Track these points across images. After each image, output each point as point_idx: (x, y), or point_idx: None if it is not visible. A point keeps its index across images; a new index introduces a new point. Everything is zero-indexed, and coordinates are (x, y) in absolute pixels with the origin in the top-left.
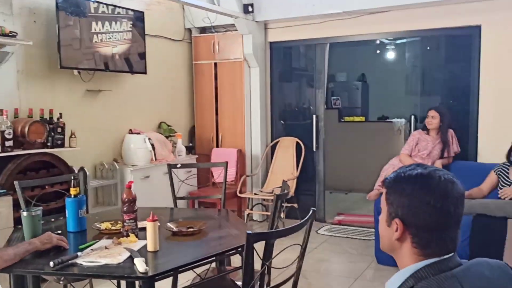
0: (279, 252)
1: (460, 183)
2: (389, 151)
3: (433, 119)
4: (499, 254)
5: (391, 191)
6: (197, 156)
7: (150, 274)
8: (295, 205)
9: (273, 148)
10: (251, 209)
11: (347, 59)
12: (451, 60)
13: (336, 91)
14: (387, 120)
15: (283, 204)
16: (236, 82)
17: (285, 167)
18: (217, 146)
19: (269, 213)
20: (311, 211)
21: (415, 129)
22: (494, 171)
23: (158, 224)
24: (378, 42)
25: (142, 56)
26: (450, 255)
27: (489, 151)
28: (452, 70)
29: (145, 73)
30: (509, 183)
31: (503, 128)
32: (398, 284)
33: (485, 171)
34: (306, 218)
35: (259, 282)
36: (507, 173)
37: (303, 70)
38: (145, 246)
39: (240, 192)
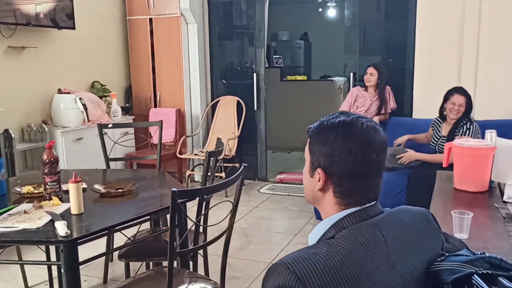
0: (207, 210)
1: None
2: (331, 109)
3: (371, 76)
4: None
5: (313, 140)
6: (134, 116)
7: (71, 237)
8: (237, 165)
9: (213, 108)
10: (192, 170)
11: (289, 18)
12: (389, 18)
13: (279, 50)
14: (329, 78)
15: (224, 164)
16: (174, 39)
17: (226, 127)
18: (155, 106)
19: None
20: (241, 168)
21: (354, 86)
22: (431, 124)
23: (85, 185)
24: (320, 0)
25: (70, 10)
26: (372, 203)
27: (423, 107)
28: (391, 28)
29: (73, 28)
30: (439, 138)
31: (436, 85)
32: (320, 235)
33: (420, 126)
34: (235, 175)
35: (193, 241)
36: (439, 128)
37: (244, 28)
38: (69, 209)
39: (180, 153)
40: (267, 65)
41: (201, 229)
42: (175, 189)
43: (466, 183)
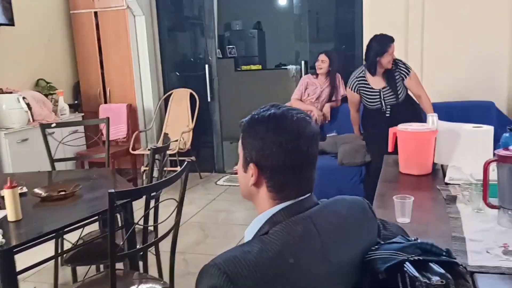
0: (149, 209)
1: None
2: (287, 98)
3: (322, 63)
4: None
5: (245, 134)
6: (83, 114)
7: (7, 246)
8: (193, 158)
9: (166, 101)
10: (147, 166)
11: (242, 7)
12: (337, 5)
13: (233, 40)
14: (283, 67)
15: (180, 158)
16: (121, 32)
17: (180, 120)
18: (106, 102)
19: (167, 168)
20: (184, 164)
21: (306, 74)
22: (351, 89)
23: (25, 189)
24: None
25: (8, 5)
26: (306, 196)
27: None
28: (339, 15)
29: (12, 25)
30: (373, 91)
31: None
32: (255, 231)
33: None
34: (179, 171)
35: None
36: (366, 81)
37: (195, 19)
38: (6, 217)
39: (134, 149)
40: (220, 56)
41: (152, 228)
42: (113, 191)
43: (411, 166)
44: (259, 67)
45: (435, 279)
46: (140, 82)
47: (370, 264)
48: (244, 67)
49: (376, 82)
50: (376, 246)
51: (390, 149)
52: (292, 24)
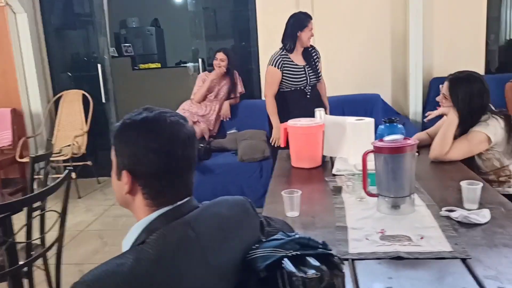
0: (25, 224)
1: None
2: (187, 96)
3: (221, 62)
4: None
5: (117, 141)
6: None
7: None
8: (89, 162)
9: (57, 104)
10: (38, 174)
11: (138, 3)
12: (232, 2)
13: (130, 37)
14: (182, 65)
15: (74, 164)
16: (1, 31)
17: (73, 123)
18: None
19: (61, 175)
20: (65, 172)
21: (204, 71)
22: (276, 66)
23: None
24: None
25: None
26: (185, 200)
27: None
28: (234, 12)
29: None
30: (298, 67)
31: None
32: (132, 241)
33: None
34: (59, 180)
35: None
36: (290, 58)
37: (86, 16)
38: None
39: (21, 157)
40: (116, 54)
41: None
42: None
43: (302, 160)
44: (158, 65)
45: (311, 272)
46: (25, 85)
47: (251, 263)
48: (142, 66)
49: (298, 60)
50: (257, 245)
51: (282, 144)
52: (188, 21)
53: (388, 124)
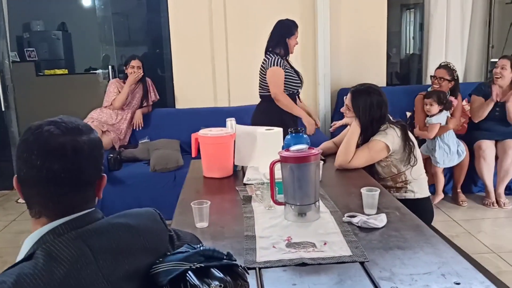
0: None
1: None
2: (97, 104)
3: (138, 69)
4: None
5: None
6: None
7: None
8: None
9: None
10: None
11: (44, 5)
12: (143, 9)
13: (34, 41)
14: (92, 71)
15: None
16: None
17: None
18: None
19: None
20: None
21: (115, 78)
22: (281, 66)
23: None
24: None
25: None
26: (83, 213)
27: (183, 97)
28: (146, 19)
29: None
30: (295, 70)
31: (194, 75)
32: (23, 255)
33: (183, 116)
34: None
35: None
36: (288, 61)
37: None
38: None
39: None
40: (17, 59)
41: None
42: None
43: (213, 170)
44: (65, 71)
45: (214, 284)
46: None
47: (155, 277)
48: (47, 72)
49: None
50: (161, 259)
51: (193, 154)
52: (98, 26)
53: (294, 134)
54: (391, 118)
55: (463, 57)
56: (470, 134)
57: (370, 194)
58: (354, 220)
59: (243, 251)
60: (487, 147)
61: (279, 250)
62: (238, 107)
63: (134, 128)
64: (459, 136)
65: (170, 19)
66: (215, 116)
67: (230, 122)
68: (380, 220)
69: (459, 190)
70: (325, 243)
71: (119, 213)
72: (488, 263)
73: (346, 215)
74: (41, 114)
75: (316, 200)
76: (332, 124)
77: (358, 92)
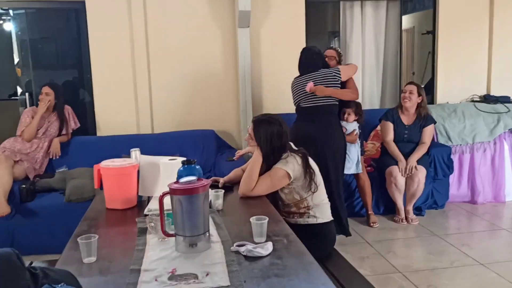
0: None
1: None
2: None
3: (46, 96)
4: None
5: None
6: None
7: None
8: None
9: None
10: None
11: None
12: (62, 34)
13: None
14: (13, 98)
15: None
16: None
17: None
18: None
19: None
20: None
21: (33, 105)
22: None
23: None
24: None
25: None
26: None
27: (106, 124)
28: (65, 44)
29: None
30: None
31: (117, 101)
32: None
33: (104, 143)
34: None
35: None
36: None
37: None
38: None
39: None
40: None
41: None
42: None
43: (115, 201)
44: None
45: None
46: None
47: None
48: None
49: None
50: None
51: (96, 186)
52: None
53: (186, 166)
54: (293, 146)
55: (378, 84)
56: (382, 158)
57: (259, 223)
58: (241, 249)
59: (125, 286)
60: (398, 173)
61: (161, 283)
62: (161, 134)
63: (51, 157)
64: (373, 160)
65: (90, 44)
66: (137, 144)
67: (134, 152)
68: (266, 249)
69: (370, 212)
70: (207, 274)
71: None
72: (393, 283)
73: (235, 244)
74: None
75: (205, 230)
76: (236, 153)
77: (260, 122)
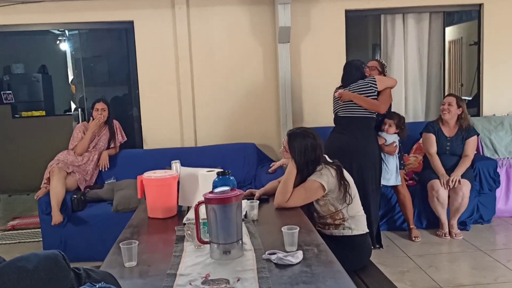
0: None
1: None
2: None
3: (103, 111)
4: None
5: None
6: None
7: None
8: None
9: None
10: None
11: (24, 49)
12: (112, 53)
13: (14, 84)
14: (68, 113)
15: None
16: None
17: None
18: None
19: None
20: None
21: (85, 120)
22: None
23: None
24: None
25: None
26: None
27: (153, 138)
28: (115, 62)
29: None
30: None
31: (162, 116)
32: None
33: (150, 156)
34: None
35: None
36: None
37: None
38: None
39: None
40: None
41: None
42: None
43: (156, 210)
44: (43, 113)
45: None
46: None
47: None
48: (24, 114)
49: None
50: None
51: (139, 196)
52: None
53: (221, 177)
54: (327, 158)
55: (423, 97)
56: (424, 172)
57: (290, 232)
58: (272, 257)
59: None
60: (440, 187)
61: (194, 287)
62: (203, 147)
63: (100, 169)
64: (416, 173)
65: (138, 62)
66: (181, 156)
67: (175, 164)
68: (296, 257)
69: (412, 226)
70: (238, 279)
71: (20, 256)
72: None
73: (266, 252)
74: (18, 154)
75: (238, 238)
76: (271, 165)
77: (294, 135)
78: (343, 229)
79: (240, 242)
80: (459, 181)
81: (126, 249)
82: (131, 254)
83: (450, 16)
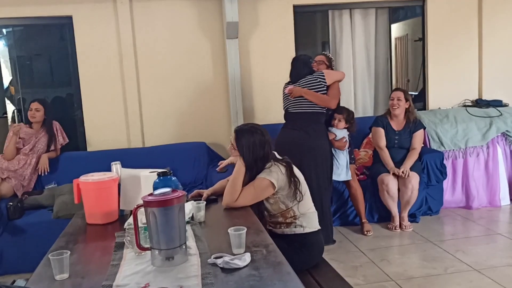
0: None
1: None
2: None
3: (36, 112)
4: None
5: None
6: None
7: None
8: None
9: None
10: None
11: None
12: (49, 51)
13: None
14: (4, 115)
15: None
16: None
17: None
18: None
19: None
20: None
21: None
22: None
23: None
24: None
25: None
26: None
27: (96, 139)
28: (53, 61)
29: None
30: None
31: (105, 116)
32: None
33: (94, 158)
34: None
35: None
36: None
37: None
38: None
39: None
40: None
41: None
42: None
43: (95, 216)
44: None
45: None
46: None
47: None
48: None
49: None
50: None
51: (76, 201)
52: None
53: (162, 177)
54: (276, 155)
55: (371, 92)
56: (374, 166)
57: (237, 234)
58: (218, 261)
59: None
60: (389, 181)
61: None
62: (152, 148)
63: (39, 173)
64: (366, 168)
65: (79, 60)
66: (128, 158)
67: (115, 165)
68: (243, 260)
69: (364, 220)
70: (180, 287)
71: None
72: None
73: (212, 256)
74: None
75: (182, 243)
76: (219, 164)
77: (242, 131)
78: (295, 227)
79: (184, 247)
80: (408, 174)
81: (56, 260)
82: (62, 265)
83: (396, 13)
